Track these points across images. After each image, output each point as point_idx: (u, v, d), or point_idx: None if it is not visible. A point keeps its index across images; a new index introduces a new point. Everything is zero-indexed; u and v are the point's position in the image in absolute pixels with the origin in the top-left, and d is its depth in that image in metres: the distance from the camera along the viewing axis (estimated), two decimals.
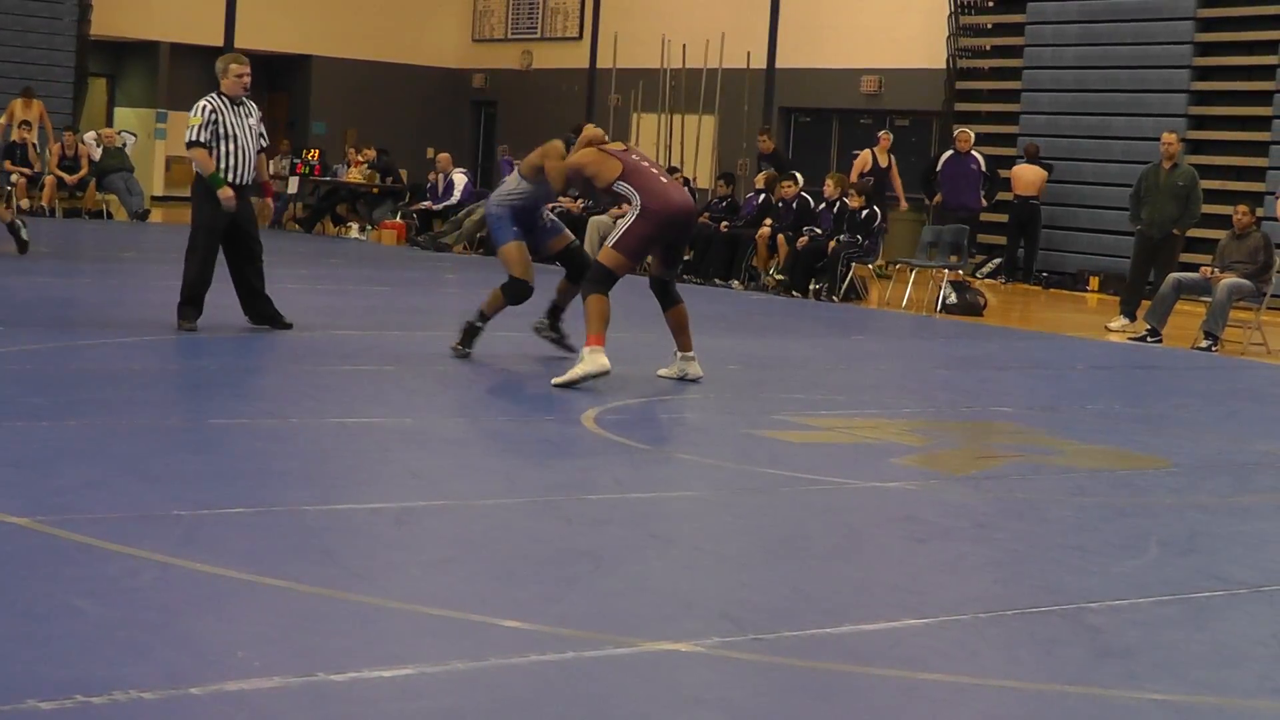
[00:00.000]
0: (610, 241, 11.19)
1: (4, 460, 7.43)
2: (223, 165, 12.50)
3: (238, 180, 12.58)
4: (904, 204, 24.30)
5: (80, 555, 5.83)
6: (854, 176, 22.87)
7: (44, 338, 11.42)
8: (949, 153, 23.33)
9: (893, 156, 24.12)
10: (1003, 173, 24.58)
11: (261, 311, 12.91)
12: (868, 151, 24.17)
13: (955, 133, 24.19)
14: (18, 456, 7.55)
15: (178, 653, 4.82)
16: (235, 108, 12.69)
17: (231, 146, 12.57)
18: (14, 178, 26.97)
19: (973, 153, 22.97)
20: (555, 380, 10.69)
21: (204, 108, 12.62)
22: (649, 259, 11.98)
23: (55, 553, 5.85)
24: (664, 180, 11.31)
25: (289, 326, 12.87)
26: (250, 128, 12.74)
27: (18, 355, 10.78)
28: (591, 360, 10.73)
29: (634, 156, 11.37)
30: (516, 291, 11.90)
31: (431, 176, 27.54)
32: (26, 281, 12.00)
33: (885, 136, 24.28)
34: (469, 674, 4.81)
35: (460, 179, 26.74)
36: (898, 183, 24.09)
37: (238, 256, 12.81)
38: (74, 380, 10.21)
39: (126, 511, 6.57)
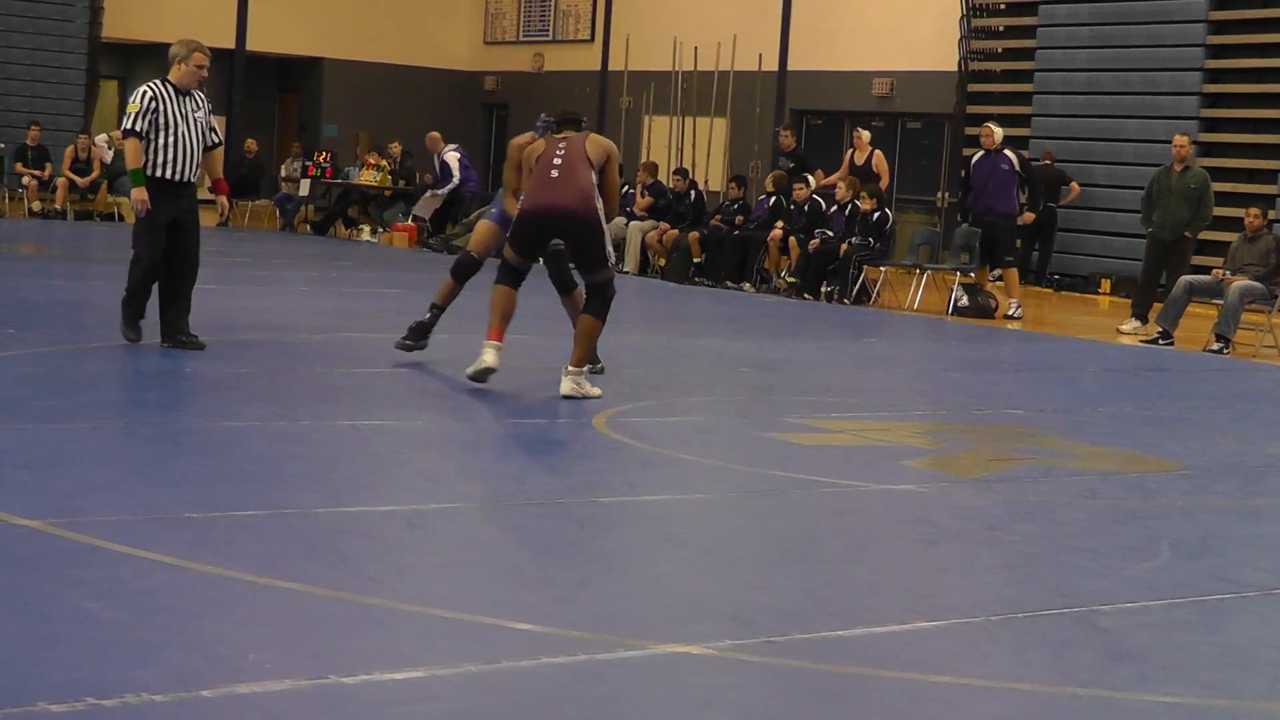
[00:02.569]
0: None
1: (16, 463, 7.44)
2: (159, 159, 11.51)
3: (175, 176, 11.56)
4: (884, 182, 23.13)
5: (91, 558, 5.84)
6: (839, 178, 22.21)
7: (56, 340, 11.43)
8: (980, 153, 21.20)
9: (876, 150, 23.24)
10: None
11: (168, 326, 11.69)
12: (850, 152, 23.40)
13: (980, 130, 22.83)
14: (29, 459, 7.56)
15: (189, 655, 4.82)
16: (180, 97, 11.66)
17: (170, 139, 11.54)
18: (25, 180, 27.02)
19: (1005, 152, 20.69)
20: (468, 371, 10.60)
21: (144, 94, 11.58)
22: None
23: (66, 555, 5.86)
24: (547, 178, 10.76)
25: (201, 347, 11.62)
26: (197, 121, 11.70)
27: (30, 358, 10.79)
28: (485, 354, 10.62)
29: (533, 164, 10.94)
30: (462, 264, 11.63)
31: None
32: (39, 284, 12.02)
33: (858, 134, 23.61)
34: (480, 676, 4.81)
35: (453, 157, 26.40)
36: (883, 168, 23.00)
37: (169, 266, 11.70)
38: (85, 383, 10.22)
39: (138, 514, 6.58)
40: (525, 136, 11.37)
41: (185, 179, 11.64)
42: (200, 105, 11.80)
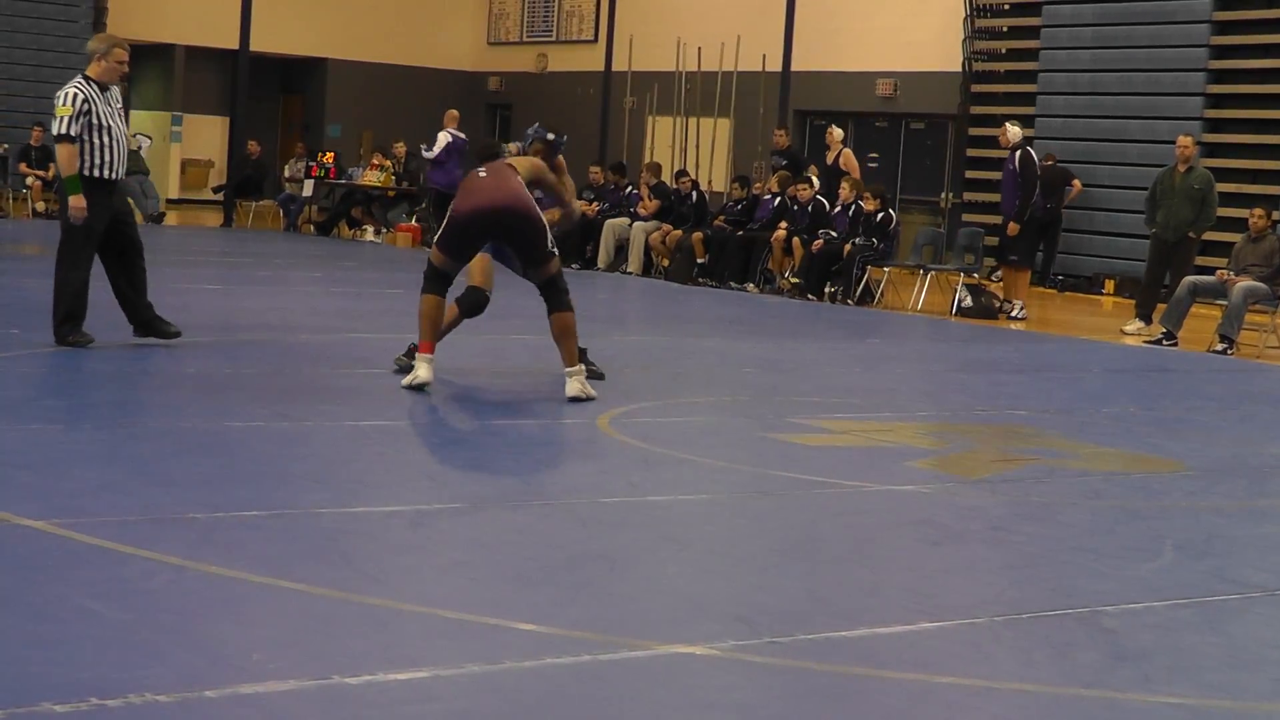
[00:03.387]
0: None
1: (19, 463, 7.44)
2: (98, 159, 11.24)
3: (113, 175, 11.35)
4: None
5: (95, 558, 5.84)
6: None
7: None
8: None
9: (845, 148, 23.13)
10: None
11: (141, 319, 11.71)
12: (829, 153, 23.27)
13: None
14: (33, 459, 7.57)
15: (193, 655, 4.82)
16: (104, 94, 11.38)
17: (106, 139, 11.29)
18: (29, 180, 27.03)
19: (1015, 153, 20.42)
20: (406, 382, 10.46)
21: (73, 96, 11.23)
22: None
23: (70, 555, 5.87)
24: (478, 177, 10.72)
25: (176, 334, 11.69)
26: (120, 115, 11.49)
27: (32, 358, 10.79)
28: (418, 368, 10.46)
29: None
30: (472, 301, 11.13)
31: None
32: (42, 284, 12.01)
33: (830, 132, 23.45)
34: (483, 677, 4.81)
35: (443, 138, 25.56)
36: (851, 165, 22.87)
37: (114, 260, 11.59)
38: (89, 383, 10.22)
39: (141, 514, 6.58)
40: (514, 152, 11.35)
41: (120, 176, 11.49)
42: (117, 98, 11.59)
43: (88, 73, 11.45)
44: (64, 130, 11.19)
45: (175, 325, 11.72)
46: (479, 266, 11.09)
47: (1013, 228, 20.11)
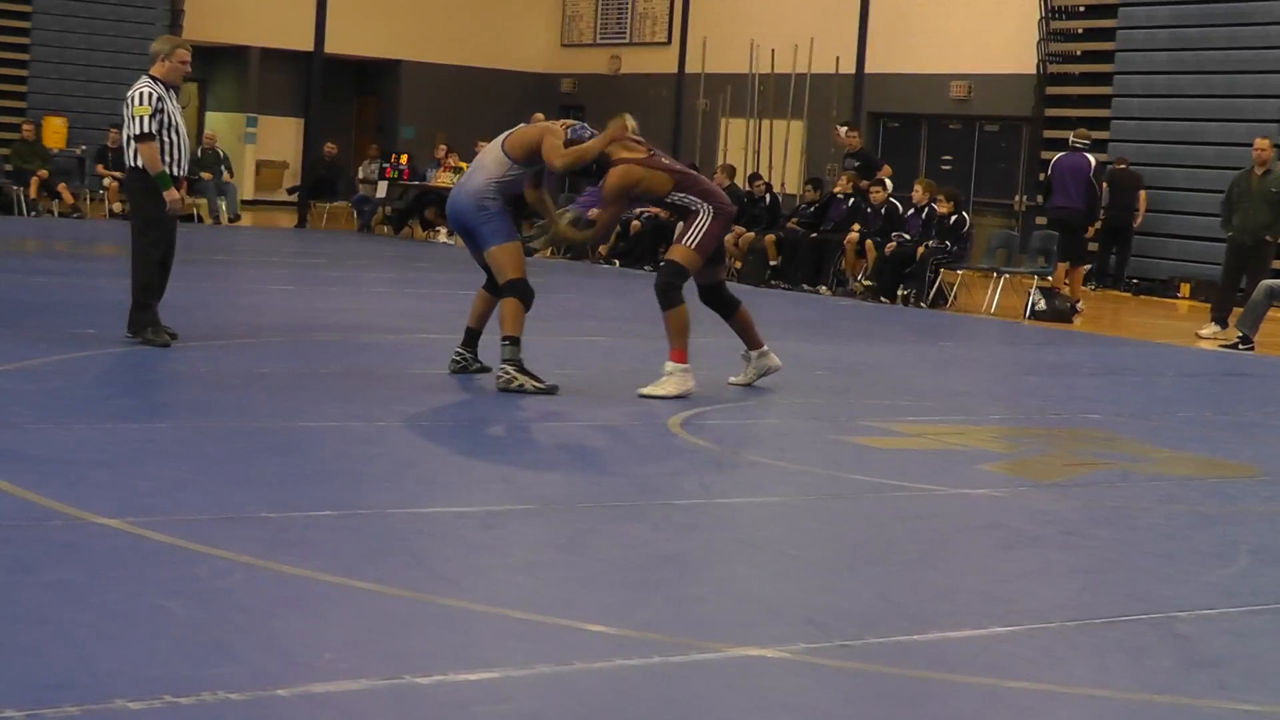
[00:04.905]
0: (688, 242, 10.80)
1: (94, 461, 7.50)
2: (168, 158, 11.46)
3: (182, 171, 11.59)
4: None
5: (169, 556, 5.88)
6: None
7: (134, 340, 11.49)
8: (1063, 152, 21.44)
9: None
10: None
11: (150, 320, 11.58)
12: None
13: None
14: (108, 458, 7.62)
15: (265, 654, 4.84)
16: (169, 93, 11.56)
17: (176, 138, 11.51)
18: (106, 181, 27.24)
19: (1085, 154, 20.77)
20: (641, 390, 10.66)
21: (149, 95, 11.42)
22: None
23: (144, 553, 5.90)
24: (710, 182, 11.28)
25: (174, 337, 11.60)
26: (182, 115, 11.72)
27: (108, 357, 10.87)
28: (681, 380, 10.71)
29: (666, 160, 11.08)
30: (527, 292, 10.83)
31: None
32: (118, 285, 12.11)
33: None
34: (554, 678, 4.81)
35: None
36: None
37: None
38: (163, 382, 10.29)
39: (215, 513, 6.61)
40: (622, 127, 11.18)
41: (184, 173, 11.67)
42: (179, 98, 11.76)
43: (153, 73, 11.59)
44: (145, 129, 11.33)
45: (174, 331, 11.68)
46: (519, 256, 10.85)
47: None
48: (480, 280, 11.14)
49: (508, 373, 10.43)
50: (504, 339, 10.51)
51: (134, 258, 11.58)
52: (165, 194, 11.37)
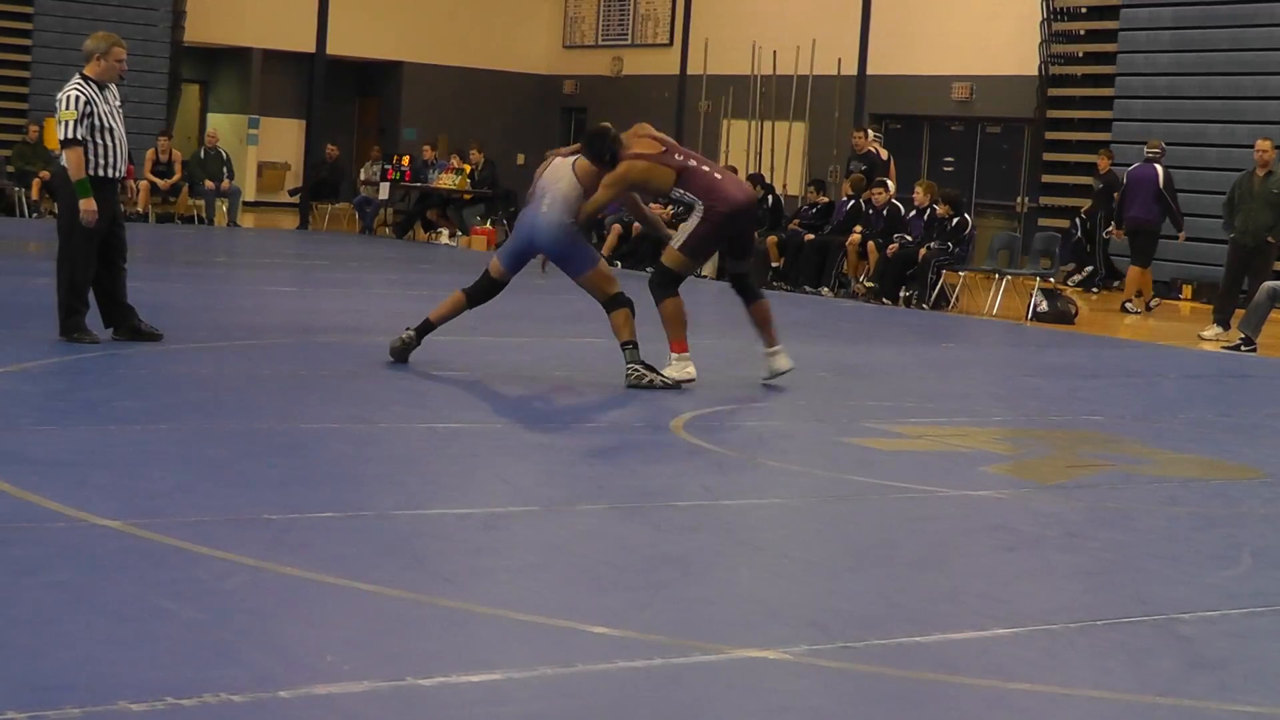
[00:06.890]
0: (675, 243, 11.26)
1: (97, 463, 7.50)
2: (103, 160, 11.23)
3: (115, 174, 11.35)
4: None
5: (171, 558, 5.88)
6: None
7: (136, 342, 11.49)
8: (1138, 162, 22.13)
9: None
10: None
11: (123, 323, 11.58)
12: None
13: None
14: (110, 459, 7.62)
15: (267, 656, 4.85)
16: (103, 93, 11.34)
17: (110, 139, 11.26)
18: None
19: (1155, 165, 21.56)
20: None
21: (75, 98, 11.19)
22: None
23: (146, 555, 5.90)
24: (719, 176, 11.31)
25: (158, 337, 11.60)
26: (120, 113, 11.45)
27: (111, 359, 10.86)
28: (679, 367, 10.87)
29: (679, 156, 11.23)
30: (629, 300, 11.14)
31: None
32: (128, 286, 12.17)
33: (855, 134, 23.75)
34: (556, 680, 4.81)
35: None
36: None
37: (99, 260, 11.41)
38: (166, 384, 10.28)
39: (217, 515, 6.61)
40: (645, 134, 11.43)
41: (121, 175, 11.51)
42: (116, 95, 11.55)
43: (86, 72, 11.38)
44: (70, 134, 11.15)
45: (157, 329, 11.66)
46: (610, 274, 11.39)
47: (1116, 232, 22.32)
48: (476, 280, 11.29)
49: (637, 371, 10.94)
50: (625, 344, 11.02)
51: (59, 261, 11.42)
52: (81, 202, 11.08)
